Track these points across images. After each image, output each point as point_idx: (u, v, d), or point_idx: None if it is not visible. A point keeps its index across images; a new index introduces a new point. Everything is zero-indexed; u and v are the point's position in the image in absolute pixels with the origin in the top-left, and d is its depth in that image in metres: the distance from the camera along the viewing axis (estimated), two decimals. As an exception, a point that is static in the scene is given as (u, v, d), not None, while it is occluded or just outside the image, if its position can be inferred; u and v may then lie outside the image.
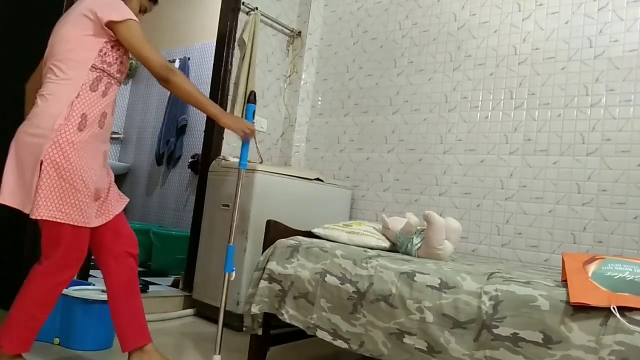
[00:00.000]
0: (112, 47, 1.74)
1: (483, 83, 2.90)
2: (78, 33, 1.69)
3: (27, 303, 1.67)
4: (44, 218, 1.59)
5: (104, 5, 1.70)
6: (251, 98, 2.09)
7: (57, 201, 1.60)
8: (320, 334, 1.77)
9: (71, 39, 1.69)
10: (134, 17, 1.74)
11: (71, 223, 1.64)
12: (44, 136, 1.60)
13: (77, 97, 1.66)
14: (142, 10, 1.94)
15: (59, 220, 1.61)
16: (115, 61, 1.77)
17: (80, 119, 1.65)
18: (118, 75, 1.80)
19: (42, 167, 1.58)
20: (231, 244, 2.00)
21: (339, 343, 1.73)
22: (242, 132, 1.99)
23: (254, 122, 2.06)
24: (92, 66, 1.70)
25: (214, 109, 1.91)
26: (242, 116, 3.12)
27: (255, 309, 1.93)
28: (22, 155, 1.62)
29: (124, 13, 1.71)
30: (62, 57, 1.68)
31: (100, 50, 1.72)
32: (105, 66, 1.73)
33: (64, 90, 1.66)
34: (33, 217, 1.58)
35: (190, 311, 2.90)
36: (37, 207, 1.58)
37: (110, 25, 1.69)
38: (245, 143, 2.05)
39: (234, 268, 2.00)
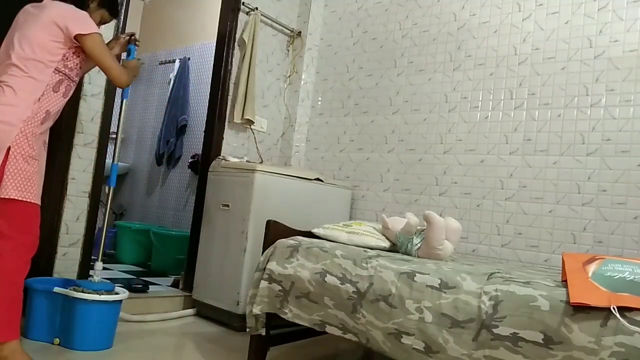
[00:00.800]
0: (73, 53, 1.94)
1: (483, 83, 2.90)
2: (46, 38, 1.86)
3: (4, 287, 1.75)
4: (13, 197, 1.73)
5: (73, 19, 1.90)
6: (132, 39, 2.34)
7: (25, 183, 1.78)
8: (330, 329, 1.79)
9: (39, 43, 1.85)
10: (98, 30, 1.95)
11: (37, 202, 1.83)
12: (12, 125, 1.76)
13: (42, 96, 1.85)
14: (102, 22, 2.17)
15: (29, 200, 1.78)
16: (75, 66, 1.97)
17: (44, 115, 1.87)
18: (76, 78, 2.01)
19: (10, 152, 1.74)
20: (115, 162, 2.31)
21: (349, 336, 1.73)
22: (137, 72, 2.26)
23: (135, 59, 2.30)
24: (55, 69, 1.89)
25: (133, 73, 2.17)
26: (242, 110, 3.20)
27: (256, 310, 1.93)
28: None
29: (90, 27, 1.93)
30: (29, 57, 1.84)
31: (64, 56, 1.91)
32: (67, 70, 1.94)
33: (31, 88, 1.83)
34: (3, 197, 1.72)
35: (190, 311, 2.90)
36: (5, 188, 1.73)
37: (77, 37, 1.89)
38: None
39: (115, 185, 2.32)
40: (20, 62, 1.83)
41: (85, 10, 2.03)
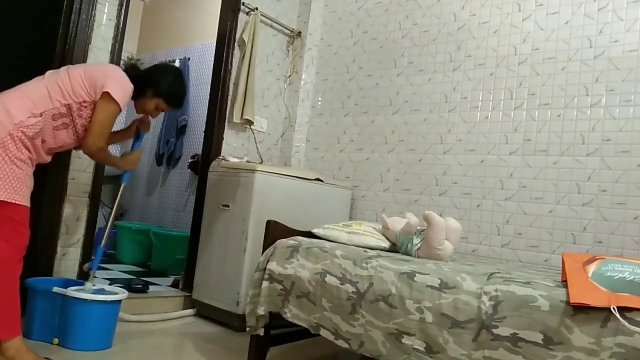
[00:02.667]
0: (93, 107, 1.97)
1: (483, 83, 2.90)
2: (82, 81, 1.94)
3: (4, 287, 1.78)
4: (1, 199, 1.73)
5: (115, 82, 1.96)
6: (139, 135, 2.38)
7: (13, 185, 1.77)
8: (324, 332, 1.78)
9: (73, 79, 1.93)
10: (121, 104, 1.98)
11: (26, 204, 1.82)
12: (2, 125, 1.77)
13: (44, 113, 1.87)
14: (159, 109, 2.22)
15: (18, 202, 1.78)
16: (87, 117, 1.98)
17: (37, 131, 1.85)
18: (80, 129, 2.00)
19: None
20: (102, 246, 2.26)
21: (340, 342, 1.73)
22: (133, 166, 2.31)
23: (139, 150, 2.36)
24: (67, 105, 1.92)
25: (118, 162, 2.24)
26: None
27: (261, 310, 1.93)
28: None
29: (119, 96, 1.96)
30: (55, 80, 1.92)
31: (84, 102, 1.95)
32: (75, 114, 1.95)
33: (39, 99, 1.86)
34: None
35: (190, 311, 2.90)
36: None
37: (103, 93, 1.94)
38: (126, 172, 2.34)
39: (97, 268, 2.26)
40: (48, 79, 1.92)
41: (142, 94, 2.12)
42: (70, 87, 1.93)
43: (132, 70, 2.15)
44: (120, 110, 2.01)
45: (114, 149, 5.19)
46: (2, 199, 1.74)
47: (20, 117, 1.80)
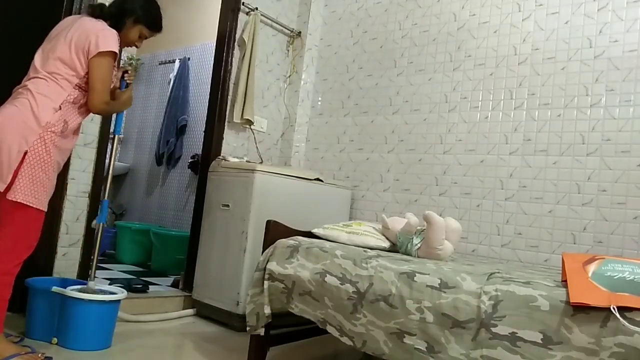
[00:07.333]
0: None
1: (483, 83, 2.90)
2: (72, 56, 1.90)
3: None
4: (19, 201, 1.77)
5: (100, 38, 1.91)
6: (124, 75, 2.27)
7: (34, 189, 1.80)
8: (330, 329, 1.79)
9: (64, 58, 1.90)
10: (115, 49, 1.94)
11: (42, 209, 1.85)
12: (32, 129, 1.80)
13: (62, 104, 1.88)
14: (142, 37, 2.16)
15: (34, 206, 1.81)
16: None
17: (63, 124, 1.89)
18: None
19: (26, 157, 1.78)
20: (105, 199, 2.26)
21: (345, 340, 1.73)
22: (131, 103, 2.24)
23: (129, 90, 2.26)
24: (76, 84, 1.92)
25: (122, 106, 2.20)
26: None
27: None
28: (2, 137, 1.77)
29: (113, 46, 1.94)
30: (53, 70, 1.88)
31: (87, 73, 1.93)
32: (86, 87, 1.94)
33: (52, 95, 1.86)
34: (10, 199, 1.76)
35: (190, 311, 2.90)
36: (14, 191, 1.76)
37: (98, 54, 1.91)
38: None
39: (105, 221, 2.26)
40: (46, 73, 1.88)
41: (122, 27, 2.05)
42: (72, 71, 1.90)
43: (100, 11, 2.06)
44: (115, 52, 1.96)
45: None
46: (19, 200, 1.76)
47: (46, 117, 1.82)
